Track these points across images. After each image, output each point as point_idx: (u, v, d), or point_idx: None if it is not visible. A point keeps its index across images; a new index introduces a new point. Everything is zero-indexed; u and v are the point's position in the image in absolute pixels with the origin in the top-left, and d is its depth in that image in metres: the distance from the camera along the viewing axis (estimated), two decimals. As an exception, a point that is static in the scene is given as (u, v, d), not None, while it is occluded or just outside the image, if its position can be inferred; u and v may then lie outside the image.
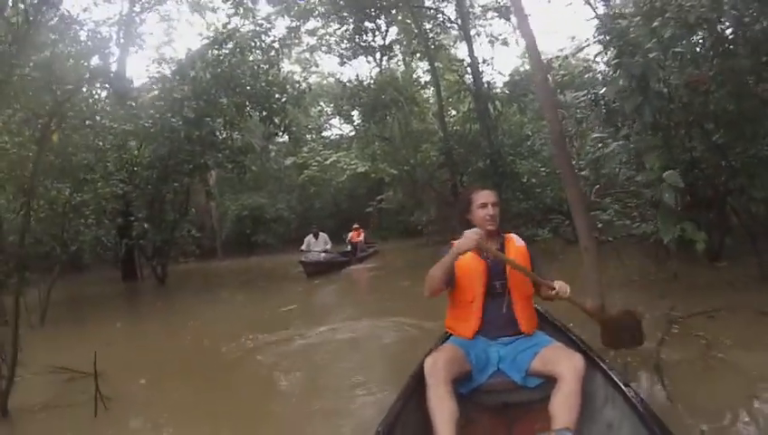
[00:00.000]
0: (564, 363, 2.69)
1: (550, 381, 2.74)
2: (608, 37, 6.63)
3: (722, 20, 6.17)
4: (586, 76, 12.54)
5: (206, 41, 14.55)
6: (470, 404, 2.90)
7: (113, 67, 13.84)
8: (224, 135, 14.51)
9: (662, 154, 6.20)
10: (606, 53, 7.18)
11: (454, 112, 20.03)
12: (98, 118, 9.42)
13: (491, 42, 20.68)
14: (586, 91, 7.72)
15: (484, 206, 3.20)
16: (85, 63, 7.81)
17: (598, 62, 10.47)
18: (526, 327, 3.10)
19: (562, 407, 2.49)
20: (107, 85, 11.90)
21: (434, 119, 19.80)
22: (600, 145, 8.06)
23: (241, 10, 16.70)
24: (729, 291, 6.36)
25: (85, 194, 9.92)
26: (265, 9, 18.16)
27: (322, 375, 5.30)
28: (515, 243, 3.27)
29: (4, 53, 4.56)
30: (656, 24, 6.04)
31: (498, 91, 16.95)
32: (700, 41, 6.61)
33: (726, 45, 6.35)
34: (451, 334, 3.28)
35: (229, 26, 14.39)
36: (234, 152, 14.65)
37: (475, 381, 2.96)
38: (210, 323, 8.47)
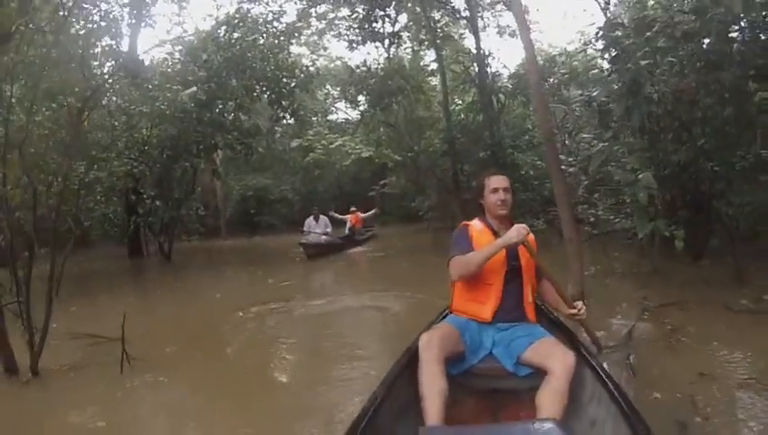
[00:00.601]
0: (556, 358, 2.70)
1: (539, 373, 2.77)
2: (604, 43, 7.05)
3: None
4: (591, 73, 12.87)
5: (214, 22, 14.94)
6: (459, 385, 2.91)
7: (125, 47, 14.02)
8: (232, 117, 14.71)
9: (643, 156, 6.63)
10: (604, 58, 7.55)
11: (459, 102, 19.86)
12: (114, 99, 9.74)
13: (499, 33, 20.63)
14: (581, 92, 8.06)
15: (495, 191, 3.22)
16: (98, 43, 7.96)
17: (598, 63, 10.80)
18: (530, 314, 3.15)
19: (549, 400, 2.52)
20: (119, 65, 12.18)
21: (439, 107, 19.80)
22: (587, 145, 8.48)
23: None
24: (703, 287, 6.77)
25: (99, 172, 10.30)
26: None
27: (321, 342, 5.86)
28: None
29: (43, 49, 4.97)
30: (648, 34, 6.45)
31: (503, 83, 17.06)
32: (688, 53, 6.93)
33: (710, 58, 6.70)
34: (449, 313, 3.34)
35: (241, 10, 14.76)
36: (242, 134, 14.96)
37: (466, 362, 2.99)
38: (217, 296, 8.99)
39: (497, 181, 3.25)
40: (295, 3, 17.86)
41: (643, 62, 6.47)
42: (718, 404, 3.47)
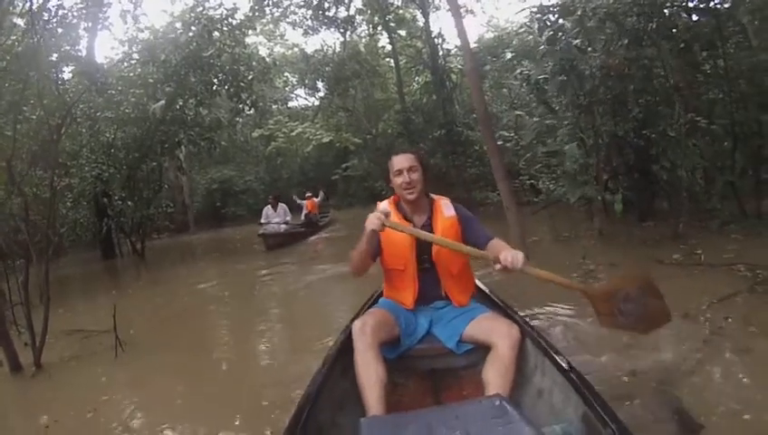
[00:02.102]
0: (500, 332, 2.66)
1: (479, 349, 2.77)
2: (539, 25, 7.68)
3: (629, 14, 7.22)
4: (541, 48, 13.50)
5: (170, 18, 15.14)
6: (397, 369, 2.91)
7: (83, 52, 14.14)
8: (193, 113, 14.94)
9: (573, 130, 7.31)
10: (539, 39, 8.17)
11: (417, 81, 20.25)
12: (80, 106, 10.03)
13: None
14: (519, 71, 8.68)
15: (399, 173, 2.99)
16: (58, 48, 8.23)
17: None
18: (457, 299, 3.03)
19: (496, 374, 2.49)
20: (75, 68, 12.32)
21: (396, 88, 20.27)
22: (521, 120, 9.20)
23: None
24: (641, 246, 7.45)
25: (71, 178, 10.63)
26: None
27: (295, 315, 6.64)
28: (444, 213, 3.04)
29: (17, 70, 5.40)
30: (575, 16, 7.09)
31: (456, 63, 17.33)
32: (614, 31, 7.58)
33: (633, 36, 7.38)
34: (381, 296, 3.28)
35: (196, 9, 15.03)
36: (204, 129, 15.25)
37: (403, 345, 2.92)
38: (193, 287, 9.47)
39: (400, 161, 3.01)
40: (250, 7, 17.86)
41: (575, 42, 7.12)
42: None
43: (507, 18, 24.71)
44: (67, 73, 8.59)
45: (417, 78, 20.39)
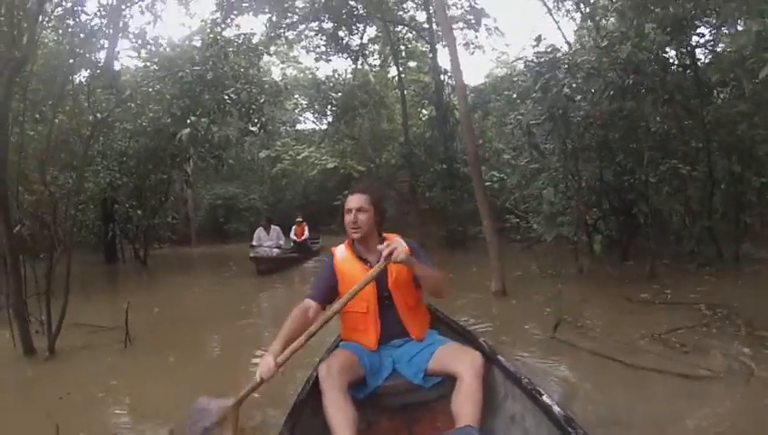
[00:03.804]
0: (462, 361, 2.70)
1: (448, 380, 2.78)
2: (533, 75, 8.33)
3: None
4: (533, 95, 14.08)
5: (188, 30, 15.76)
6: (369, 408, 2.90)
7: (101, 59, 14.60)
8: (204, 130, 15.18)
9: (552, 174, 7.91)
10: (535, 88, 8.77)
11: (425, 112, 20.70)
12: (98, 115, 10.57)
13: (465, 45, 20.93)
14: (514, 115, 9.27)
15: (348, 211, 3.08)
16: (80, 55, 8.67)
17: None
18: (416, 333, 3.08)
19: (464, 404, 2.50)
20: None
21: (401, 119, 20.72)
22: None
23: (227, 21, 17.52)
24: (614, 284, 8.06)
25: (86, 182, 11.15)
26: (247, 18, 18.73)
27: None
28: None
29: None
30: (565, 68, 7.74)
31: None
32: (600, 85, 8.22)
33: (616, 89, 8.00)
34: (342, 340, 3.28)
35: (215, 30, 15.76)
36: (213, 146, 15.72)
37: (370, 385, 2.94)
38: (193, 291, 9.99)
39: (351, 201, 3.10)
40: (264, 25, 18.38)
41: (565, 92, 7.74)
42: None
43: (517, 53, 25.18)
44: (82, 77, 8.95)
45: (422, 111, 20.96)
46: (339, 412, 2.49)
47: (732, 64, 7.03)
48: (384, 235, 3.19)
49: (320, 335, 2.73)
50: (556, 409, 2.34)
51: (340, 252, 3.18)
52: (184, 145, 13.81)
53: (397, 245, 2.77)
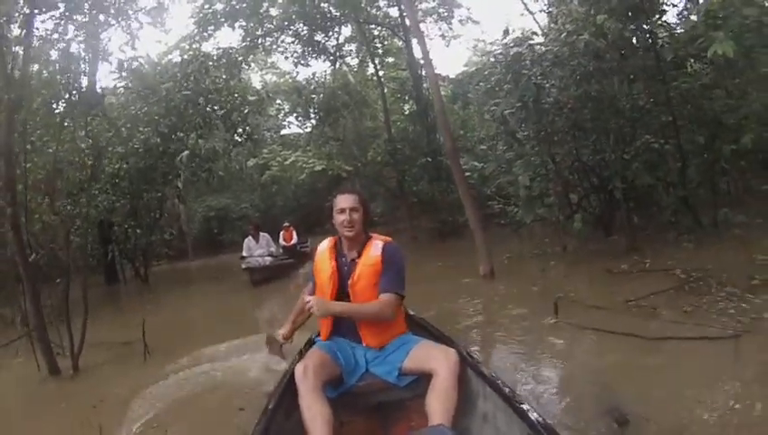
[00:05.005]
0: (437, 358, 2.75)
1: (422, 379, 2.83)
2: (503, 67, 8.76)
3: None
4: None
5: (164, 46, 16.03)
6: (343, 407, 2.93)
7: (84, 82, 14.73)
8: (192, 145, 15.66)
9: (528, 160, 8.35)
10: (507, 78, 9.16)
11: (406, 108, 21.11)
12: (89, 141, 10.87)
13: (442, 36, 21.52)
14: (491, 104, 9.67)
15: (341, 211, 3.18)
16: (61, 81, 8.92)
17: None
18: (371, 341, 3.12)
19: (438, 402, 2.53)
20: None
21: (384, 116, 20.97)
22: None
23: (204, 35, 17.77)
24: (596, 259, 8.50)
25: (82, 207, 11.45)
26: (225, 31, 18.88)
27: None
28: (372, 251, 3.17)
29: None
30: (528, 62, 8.20)
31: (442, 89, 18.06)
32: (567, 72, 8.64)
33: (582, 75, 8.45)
34: (317, 339, 3.39)
35: (194, 45, 16.10)
36: (202, 160, 16.09)
37: (345, 383, 3.00)
38: (201, 309, 10.38)
39: (343, 201, 3.21)
40: (240, 35, 18.59)
41: (534, 81, 8.16)
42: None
43: (493, 40, 25.20)
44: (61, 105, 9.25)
45: (404, 106, 21.24)
46: (314, 413, 2.55)
47: (685, 44, 7.50)
48: (371, 234, 3.32)
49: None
50: (525, 407, 2.40)
51: (321, 248, 3.37)
52: (184, 165, 14.09)
53: (313, 303, 3.03)
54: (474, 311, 6.75)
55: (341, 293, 3.15)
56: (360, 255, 3.19)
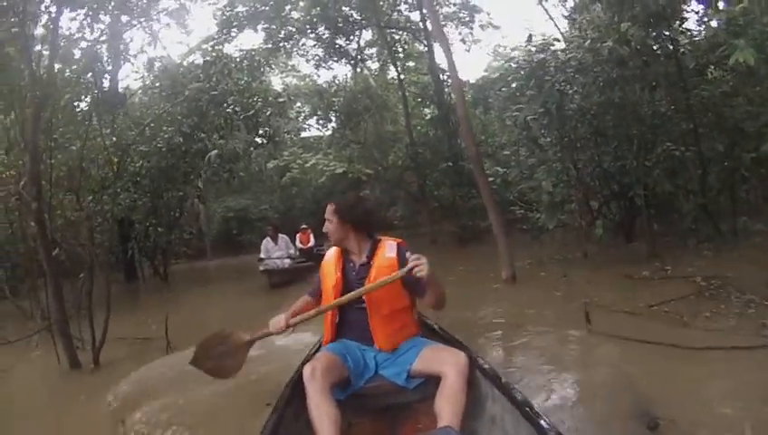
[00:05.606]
0: (447, 360, 2.75)
1: (431, 382, 2.81)
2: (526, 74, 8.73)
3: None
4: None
5: (185, 48, 16.25)
6: (351, 408, 2.92)
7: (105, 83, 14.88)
8: (212, 145, 15.47)
9: (548, 167, 8.31)
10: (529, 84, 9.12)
11: (427, 112, 20.98)
12: (113, 139, 10.97)
13: (462, 40, 21.19)
14: (514, 110, 9.63)
15: (325, 220, 3.32)
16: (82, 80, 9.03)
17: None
18: (383, 343, 3.10)
19: (447, 404, 2.53)
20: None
21: (405, 120, 20.94)
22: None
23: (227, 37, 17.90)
24: (617, 265, 8.48)
25: (105, 205, 11.56)
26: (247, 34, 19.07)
27: None
28: (385, 254, 3.17)
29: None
30: (552, 68, 8.16)
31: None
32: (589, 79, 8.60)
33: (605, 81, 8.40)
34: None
35: (216, 47, 16.20)
36: (224, 160, 16.14)
37: (353, 385, 2.99)
38: (220, 309, 10.42)
39: (326, 211, 3.33)
40: (263, 39, 18.65)
41: (557, 87, 8.13)
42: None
43: (513, 44, 24.93)
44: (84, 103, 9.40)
45: (425, 111, 21.20)
46: (322, 414, 2.55)
47: (707, 52, 7.46)
48: (379, 237, 3.32)
49: (305, 334, 3.01)
50: (534, 410, 2.40)
51: (329, 253, 3.41)
52: (210, 165, 14.20)
53: (423, 260, 2.80)
54: (499, 315, 6.71)
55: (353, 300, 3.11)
56: (371, 257, 3.19)
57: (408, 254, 3.02)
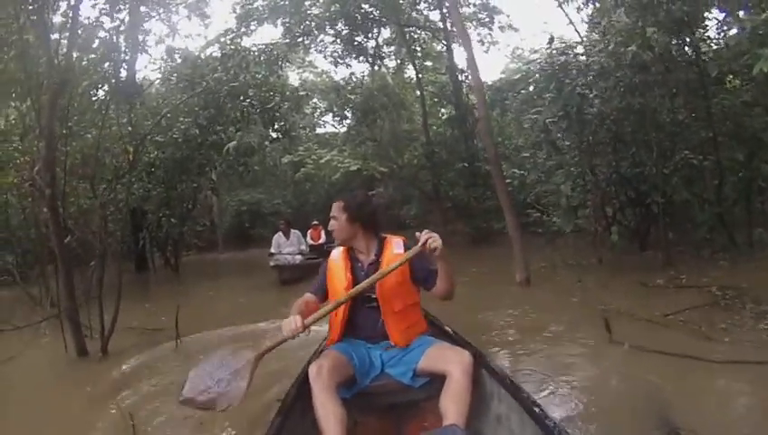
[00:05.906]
0: (452, 359, 2.75)
1: (437, 380, 2.81)
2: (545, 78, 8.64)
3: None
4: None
5: (203, 40, 16.39)
6: (357, 407, 2.92)
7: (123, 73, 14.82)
8: (227, 138, 15.40)
9: (567, 170, 8.22)
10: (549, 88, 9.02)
11: (444, 112, 21.02)
12: (129, 128, 10.96)
13: (481, 42, 20.80)
14: (532, 113, 9.54)
15: (330, 218, 3.25)
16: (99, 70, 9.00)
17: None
18: (398, 339, 3.09)
19: (452, 403, 2.54)
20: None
21: (421, 119, 20.90)
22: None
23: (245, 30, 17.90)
24: (632, 272, 8.43)
25: (118, 194, 11.55)
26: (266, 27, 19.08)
27: None
28: (393, 250, 3.16)
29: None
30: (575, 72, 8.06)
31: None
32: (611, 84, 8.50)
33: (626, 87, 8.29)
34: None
35: (235, 41, 16.18)
36: (239, 154, 16.03)
37: (359, 384, 2.98)
38: (230, 304, 10.32)
39: (332, 208, 3.25)
40: (282, 34, 18.66)
41: (578, 90, 8.03)
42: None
43: (531, 47, 24.80)
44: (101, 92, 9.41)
45: (442, 110, 21.15)
46: (328, 412, 2.54)
47: (729, 60, 7.34)
48: (385, 235, 3.28)
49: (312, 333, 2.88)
50: (539, 409, 2.41)
51: (336, 252, 3.32)
52: (228, 156, 14.18)
53: (434, 234, 2.81)
54: (515, 318, 6.66)
55: (364, 299, 3.10)
56: (380, 255, 3.18)
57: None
